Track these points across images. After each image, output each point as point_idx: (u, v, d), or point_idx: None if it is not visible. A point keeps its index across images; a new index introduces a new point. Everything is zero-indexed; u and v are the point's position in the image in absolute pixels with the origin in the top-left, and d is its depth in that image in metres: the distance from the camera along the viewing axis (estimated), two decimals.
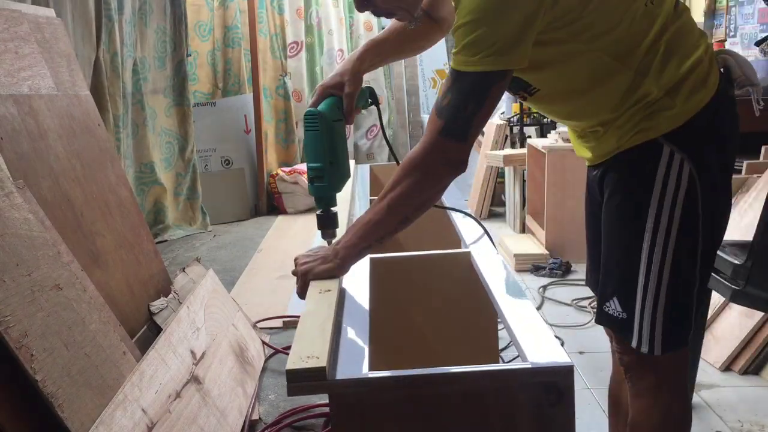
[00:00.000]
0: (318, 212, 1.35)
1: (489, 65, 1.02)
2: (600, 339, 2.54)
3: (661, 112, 1.10)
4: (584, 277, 1.47)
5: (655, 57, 1.10)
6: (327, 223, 1.35)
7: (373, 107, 1.45)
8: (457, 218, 1.70)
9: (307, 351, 0.87)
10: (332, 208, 1.34)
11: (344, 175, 1.35)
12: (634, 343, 1.16)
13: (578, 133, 1.26)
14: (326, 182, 1.31)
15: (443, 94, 1.07)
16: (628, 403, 1.27)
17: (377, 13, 1.19)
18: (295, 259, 1.26)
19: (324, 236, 1.36)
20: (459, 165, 1.08)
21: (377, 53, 1.40)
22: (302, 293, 1.18)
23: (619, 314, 1.17)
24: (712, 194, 1.14)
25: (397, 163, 1.21)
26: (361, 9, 1.16)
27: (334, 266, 1.18)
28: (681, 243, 1.12)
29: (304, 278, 1.20)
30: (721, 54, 1.20)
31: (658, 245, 1.12)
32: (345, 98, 1.33)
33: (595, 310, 2.84)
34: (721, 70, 1.18)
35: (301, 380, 0.83)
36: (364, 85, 1.38)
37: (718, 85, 1.14)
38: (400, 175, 1.11)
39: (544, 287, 3.17)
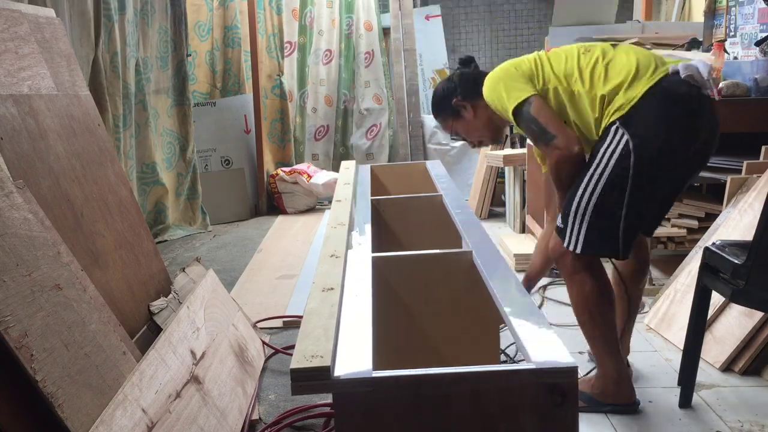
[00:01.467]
0: None
1: (519, 99, 1.81)
2: None
3: (612, 105, 1.76)
4: None
5: (599, 75, 1.79)
6: None
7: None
8: (459, 218, 1.70)
9: (311, 350, 0.86)
10: None
11: None
12: (565, 244, 1.84)
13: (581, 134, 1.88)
14: None
15: (526, 129, 1.85)
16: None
17: (468, 141, 2.17)
18: None
19: None
20: (573, 149, 1.77)
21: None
22: None
23: (560, 224, 1.86)
24: (648, 159, 1.71)
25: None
26: (451, 135, 2.19)
27: None
28: (606, 186, 1.74)
29: None
30: (681, 65, 1.77)
31: (590, 183, 1.76)
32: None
33: None
34: (681, 76, 1.75)
35: (305, 379, 0.83)
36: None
37: (656, 86, 1.72)
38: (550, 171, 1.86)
39: (544, 287, 3.17)
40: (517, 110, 1.78)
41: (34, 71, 1.99)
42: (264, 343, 2.52)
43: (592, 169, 1.76)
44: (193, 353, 1.91)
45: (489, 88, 1.88)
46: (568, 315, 2.81)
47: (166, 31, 4.42)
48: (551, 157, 1.77)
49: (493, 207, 4.88)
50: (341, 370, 0.87)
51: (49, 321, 1.44)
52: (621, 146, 1.71)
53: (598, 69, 1.78)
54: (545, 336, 0.95)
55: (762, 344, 2.19)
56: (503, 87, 1.82)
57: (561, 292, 3.09)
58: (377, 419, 0.86)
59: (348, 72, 5.76)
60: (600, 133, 1.80)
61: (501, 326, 1.59)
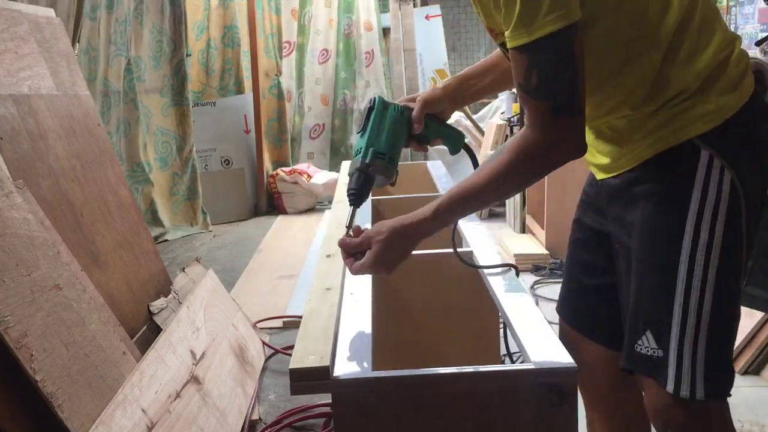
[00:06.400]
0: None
1: (557, 23, 0.89)
2: None
3: (695, 108, 0.96)
4: None
5: (687, 34, 0.96)
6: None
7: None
8: (461, 219, 1.70)
9: (311, 350, 0.86)
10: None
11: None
12: (670, 387, 0.97)
13: (596, 134, 1.09)
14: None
15: (525, 74, 0.93)
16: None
17: None
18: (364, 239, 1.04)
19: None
20: (581, 145, 0.95)
21: (467, 83, 1.26)
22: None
23: (654, 352, 0.99)
24: (754, 207, 1.00)
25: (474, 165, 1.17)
26: None
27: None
28: (724, 263, 0.97)
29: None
30: (753, 59, 1.05)
31: (697, 266, 0.97)
32: (417, 102, 1.19)
33: None
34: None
35: (304, 379, 0.83)
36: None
37: (754, 87, 1.01)
38: (515, 163, 0.96)
39: (533, 285, 3.18)
40: (534, 40, 0.90)
41: (34, 71, 1.99)
42: (264, 343, 2.52)
43: (689, 242, 0.97)
44: (193, 353, 1.91)
45: None
46: None
47: (160, 31, 4.45)
48: (559, 133, 0.94)
49: (493, 207, 4.88)
50: (340, 370, 0.87)
51: (49, 321, 1.44)
52: (726, 192, 0.96)
53: (690, 20, 0.97)
54: (545, 336, 0.95)
55: (762, 344, 2.19)
56: None
57: (551, 289, 3.09)
58: (376, 419, 0.85)
59: (349, 72, 5.76)
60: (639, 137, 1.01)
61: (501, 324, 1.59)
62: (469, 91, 1.26)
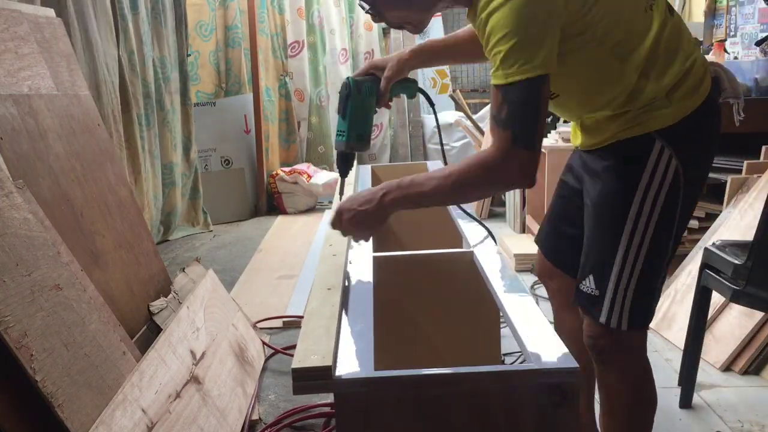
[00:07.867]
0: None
1: (527, 73, 1.10)
2: None
3: (658, 110, 1.23)
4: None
5: (657, 60, 1.21)
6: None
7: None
8: (460, 218, 1.70)
9: (313, 350, 0.86)
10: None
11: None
12: (602, 318, 1.27)
13: (580, 123, 1.37)
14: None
15: (498, 107, 1.14)
16: (597, 385, 1.39)
17: (390, 25, 1.33)
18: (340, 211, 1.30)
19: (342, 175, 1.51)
20: (532, 176, 1.14)
21: (430, 54, 1.54)
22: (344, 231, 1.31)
23: (591, 291, 1.29)
24: (691, 189, 1.27)
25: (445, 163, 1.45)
26: (376, 21, 1.31)
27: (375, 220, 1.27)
28: (660, 230, 1.25)
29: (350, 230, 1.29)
30: (712, 65, 1.34)
31: (639, 229, 1.25)
32: (383, 80, 1.47)
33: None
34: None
35: (306, 379, 0.83)
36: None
37: (709, 90, 1.27)
38: (472, 169, 1.17)
39: (533, 285, 3.17)
40: (511, 82, 1.11)
41: (34, 71, 1.99)
42: (264, 343, 2.52)
43: (635, 210, 1.24)
44: (192, 353, 1.91)
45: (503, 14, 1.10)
46: None
47: (173, 31, 4.44)
48: (518, 161, 1.13)
49: (493, 207, 4.88)
50: (342, 370, 0.87)
51: (49, 321, 1.44)
52: (670, 176, 1.23)
53: (657, 48, 1.21)
54: (546, 336, 0.95)
55: (762, 344, 2.19)
56: (518, 32, 1.09)
57: None
58: (378, 419, 0.85)
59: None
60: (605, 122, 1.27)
61: (502, 323, 1.59)
62: (432, 63, 1.60)
